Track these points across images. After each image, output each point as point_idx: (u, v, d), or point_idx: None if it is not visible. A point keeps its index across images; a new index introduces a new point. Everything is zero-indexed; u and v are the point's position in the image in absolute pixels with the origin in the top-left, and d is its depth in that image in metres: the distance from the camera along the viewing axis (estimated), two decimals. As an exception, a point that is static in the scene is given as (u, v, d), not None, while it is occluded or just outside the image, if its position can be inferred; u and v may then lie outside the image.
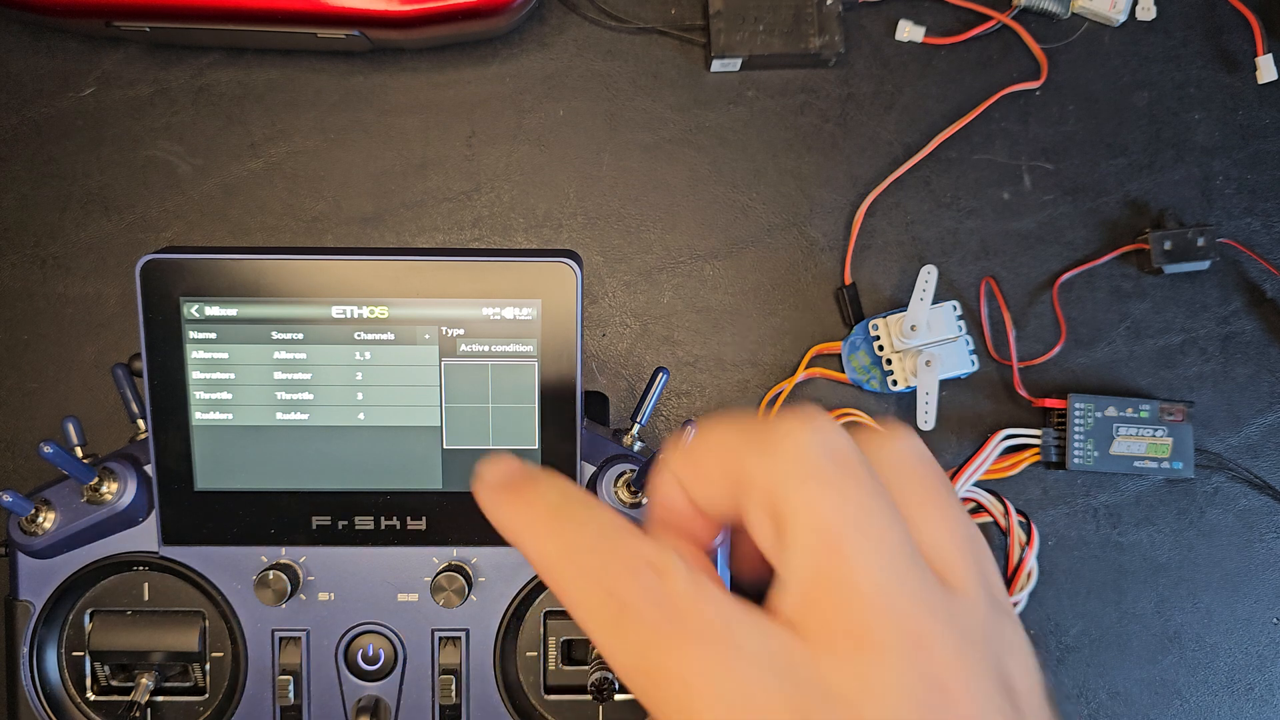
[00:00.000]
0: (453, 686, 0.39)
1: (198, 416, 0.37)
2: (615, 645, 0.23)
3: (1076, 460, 0.46)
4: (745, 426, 0.24)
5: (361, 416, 0.37)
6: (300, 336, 0.37)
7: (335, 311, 0.37)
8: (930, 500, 0.24)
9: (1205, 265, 0.47)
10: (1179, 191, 0.48)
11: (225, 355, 0.37)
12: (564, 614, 0.40)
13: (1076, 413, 0.46)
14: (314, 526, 0.38)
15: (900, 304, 0.47)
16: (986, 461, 0.46)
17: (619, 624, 0.23)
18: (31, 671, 0.38)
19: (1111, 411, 0.46)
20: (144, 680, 0.39)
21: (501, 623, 0.39)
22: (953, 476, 0.46)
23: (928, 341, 0.46)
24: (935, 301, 0.46)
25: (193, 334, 0.37)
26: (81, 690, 0.39)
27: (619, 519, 0.24)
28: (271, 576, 0.37)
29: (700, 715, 0.21)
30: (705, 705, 0.21)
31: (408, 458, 0.38)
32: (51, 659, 0.39)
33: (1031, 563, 0.46)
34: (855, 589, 0.21)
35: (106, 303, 0.47)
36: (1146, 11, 0.48)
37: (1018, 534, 0.46)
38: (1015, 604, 0.46)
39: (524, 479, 0.26)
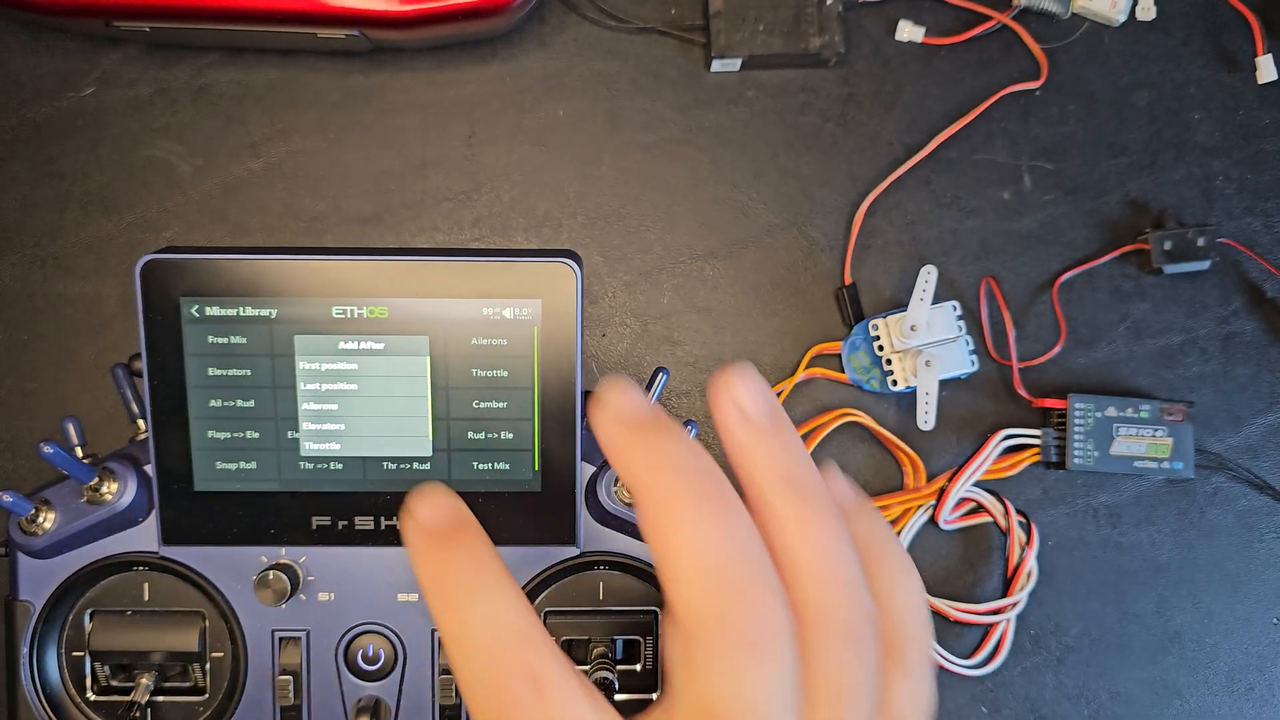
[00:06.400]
0: (453, 686, 0.39)
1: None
2: None
3: (1077, 460, 0.46)
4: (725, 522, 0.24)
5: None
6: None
7: (334, 311, 0.37)
8: (846, 686, 0.25)
9: (1206, 265, 0.47)
10: (1179, 191, 0.48)
11: (225, 355, 0.37)
12: (564, 613, 0.40)
13: (1076, 413, 0.46)
14: (314, 527, 0.38)
15: (900, 304, 0.47)
16: (986, 462, 0.46)
17: None
18: (31, 672, 0.38)
19: (1112, 411, 0.46)
20: (144, 680, 0.39)
21: (501, 623, 0.39)
22: (952, 477, 0.46)
23: (928, 341, 0.46)
24: (935, 301, 0.46)
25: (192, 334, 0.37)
26: (81, 690, 0.39)
27: (519, 617, 0.25)
28: (271, 577, 0.37)
29: None
30: None
31: (407, 458, 0.38)
32: (51, 659, 0.39)
33: (1031, 563, 0.46)
34: None
35: (106, 303, 0.47)
36: (1147, 11, 0.48)
37: (1018, 534, 0.46)
38: (1015, 604, 0.46)
39: (450, 531, 0.26)
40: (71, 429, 0.39)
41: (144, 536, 0.38)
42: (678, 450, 0.25)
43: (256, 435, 0.37)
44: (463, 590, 0.25)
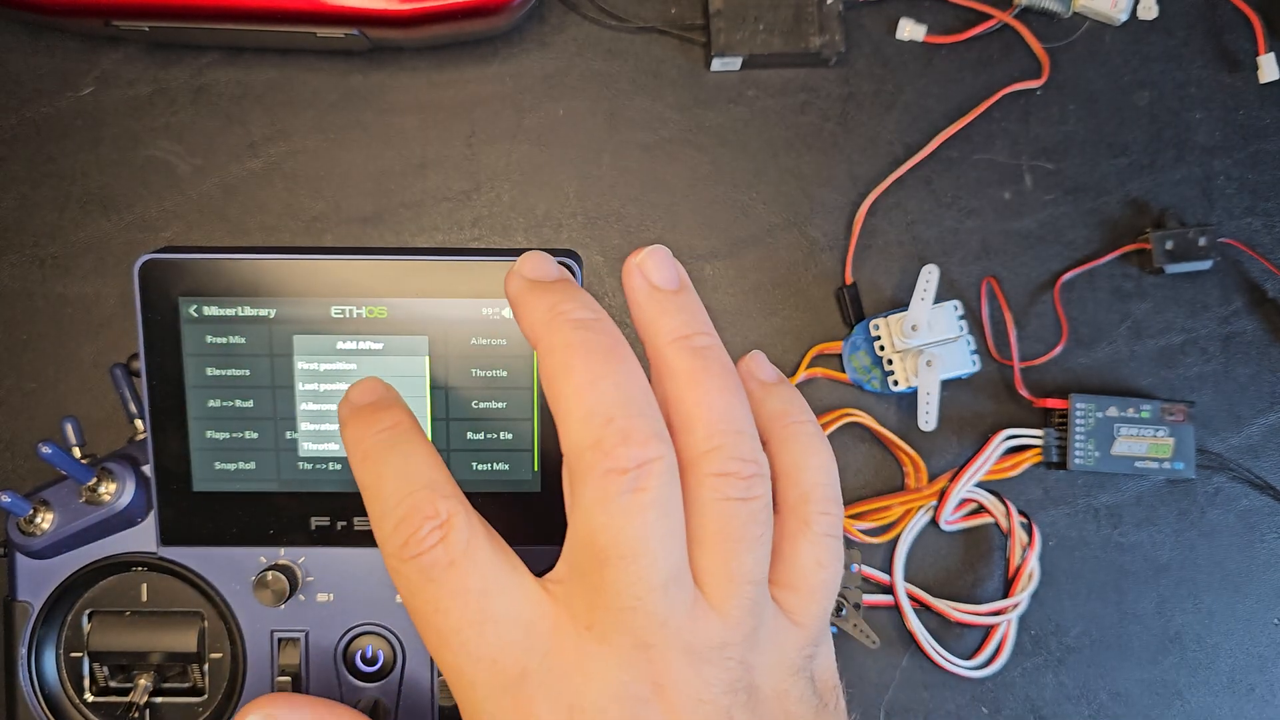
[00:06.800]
0: (452, 687, 0.39)
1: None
2: (396, 577, 0.27)
3: (1078, 461, 0.46)
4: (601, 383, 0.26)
5: (360, 417, 0.37)
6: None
7: (333, 311, 0.36)
8: (729, 527, 0.26)
9: (1207, 265, 0.47)
10: (1180, 191, 0.48)
11: (224, 355, 0.37)
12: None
13: (1078, 413, 0.46)
14: (313, 527, 0.38)
15: (901, 304, 0.47)
16: (988, 462, 0.46)
17: (401, 560, 0.26)
18: (30, 672, 0.38)
19: (1113, 412, 0.46)
20: (142, 681, 0.39)
21: (501, 623, 0.39)
22: (953, 477, 0.46)
23: (929, 341, 0.46)
24: (936, 301, 0.46)
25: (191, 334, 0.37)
26: (80, 691, 0.39)
27: (429, 468, 0.27)
28: (270, 577, 0.37)
29: (446, 659, 0.26)
30: (451, 654, 0.26)
31: (407, 458, 0.38)
32: (50, 660, 0.39)
33: (1033, 564, 0.46)
34: (603, 593, 0.25)
35: (105, 303, 0.47)
36: (1148, 10, 0.48)
37: (1019, 535, 0.46)
38: (1016, 605, 0.46)
39: (375, 404, 0.29)
40: (70, 429, 0.39)
41: (142, 537, 0.38)
42: (576, 307, 0.27)
43: (255, 435, 0.37)
44: (379, 447, 0.28)
